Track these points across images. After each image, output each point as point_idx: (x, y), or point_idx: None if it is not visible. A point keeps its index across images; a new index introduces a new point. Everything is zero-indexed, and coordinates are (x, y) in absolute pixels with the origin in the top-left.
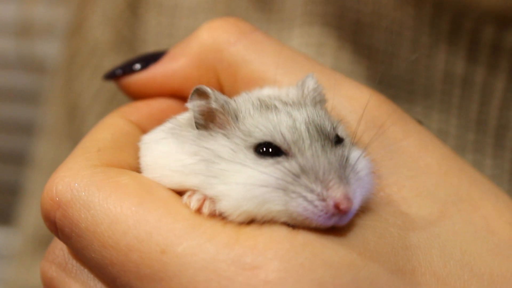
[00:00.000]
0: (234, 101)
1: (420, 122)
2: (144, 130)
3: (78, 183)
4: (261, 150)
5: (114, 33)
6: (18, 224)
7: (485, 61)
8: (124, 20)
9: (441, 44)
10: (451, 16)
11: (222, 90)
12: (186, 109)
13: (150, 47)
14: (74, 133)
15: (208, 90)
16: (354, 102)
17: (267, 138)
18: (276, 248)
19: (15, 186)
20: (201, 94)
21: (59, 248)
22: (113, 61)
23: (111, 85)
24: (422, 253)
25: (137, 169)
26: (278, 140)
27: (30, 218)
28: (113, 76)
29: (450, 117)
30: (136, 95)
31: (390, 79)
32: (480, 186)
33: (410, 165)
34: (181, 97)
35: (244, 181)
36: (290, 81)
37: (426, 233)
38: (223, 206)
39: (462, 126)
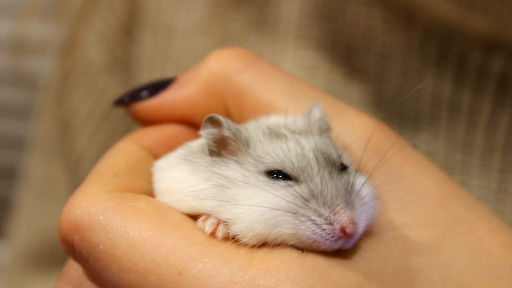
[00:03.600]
0: (245, 129)
1: (415, 146)
2: (155, 155)
3: (96, 207)
4: (272, 176)
5: (108, 53)
6: (8, 238)
7: (472, 85)
8: (118, 40)
9: (429, 68)
10: (439, 41)
11: (229, 117)
12: (195, 135)
13: (144, 68)
14: (65, 152)
15: (221, 118)
16: (357, 130)
17: (277, 166)
18: (287, 271)
19: (6, 200)
20: (214, 122)
21: (74, 269)
22: (106, 81)
23: (104, 105)
24: (423, 275)
25: (150, 194)
26: (288, 168)
27: (20, 234)
28: (121, 102)
29: (438, 139)
30: (145, 121)
31: (381, 102)
32: (475, 210)
33: (410, 190)
34: (190, 123)
35: (257, 204)
36: (295, 109)
37: (426, 256)
38: (236, 229)
39: (449, 147)
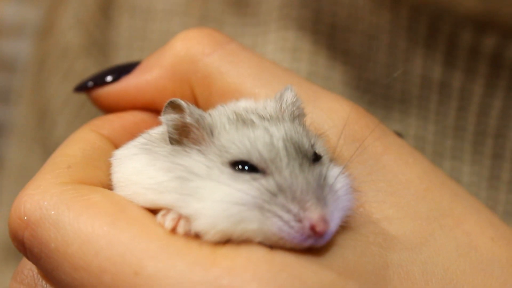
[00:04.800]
0: (210, 115)
1: (399, 134)
2: (116, 145)
3: (48, 201)
4: (237, 167)
5: (86, 36)
6: None
7: (463, 66)
8: (95, 23)
9: (418, 49)
10: (428, 20)
11: (196, 103)
12: (159, 123)
13: (122, 51)
14: (44, 138)
15: (183, 103)
16: (333, 115)
17: (243, 156)
18: (254, 270)
19: None
20: (175, 107)
21: (28, 268)
22: (84, 65)
23: None
24: (403, 271)
25: (109, 186)
26: (255, 159)
27: (1, 225)
28: (84, 88)
29: (427, 123)
30: (108, 108)
31: (367, 84)
32: (462, 201)
33: (391, 180)
34: (154, 110)
35: (220, 199)
36: (267, 93)
37: (408, 251)
38: (198, 225)
39: (439, 132)
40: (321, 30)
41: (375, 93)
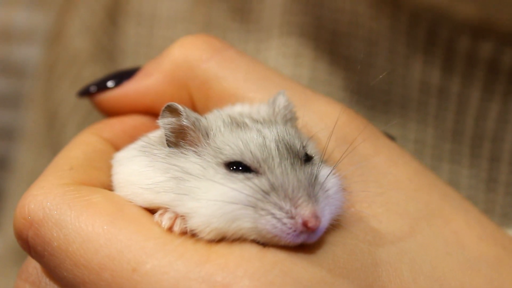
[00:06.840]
0: (205, 118)
1: (391, 137)
2: (117, 147)
3: (50, 201)
4: (231, 168)
5: (93, 42)
6: (1, 231)
7: (461, 71)
8: (103, 29)
9: (417, 54)
10: (427, 27)
11: (194, 107)
12: (159, 127)
13: (129, 57)
14: (53, 143)
15: (179, 107)
16: (325, 118)
17: (236, 157)
18: (246, 267)
19: None
20: (172, 111)
21: (32, 266)
22: (92, 71)
23: None
24: (392, 268)
25: (109, 187)
26: (248, 159)
27: (11, 227)
28: (87, 93)
29: (426, 127)
30: (109, 112)
31: (367, 90)
32: (451, 201)
33: (380, 181)
34: (154, 114)
35: (215, 198)
36: (262, 97)
37: (396, 249)
38: (194, 223)
39: (438, 136)
40: (322, 37)
41: (375, 98)
